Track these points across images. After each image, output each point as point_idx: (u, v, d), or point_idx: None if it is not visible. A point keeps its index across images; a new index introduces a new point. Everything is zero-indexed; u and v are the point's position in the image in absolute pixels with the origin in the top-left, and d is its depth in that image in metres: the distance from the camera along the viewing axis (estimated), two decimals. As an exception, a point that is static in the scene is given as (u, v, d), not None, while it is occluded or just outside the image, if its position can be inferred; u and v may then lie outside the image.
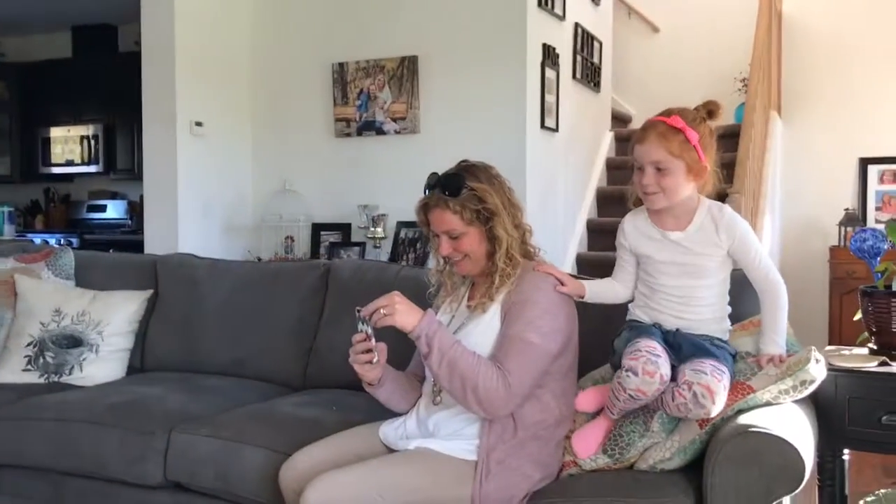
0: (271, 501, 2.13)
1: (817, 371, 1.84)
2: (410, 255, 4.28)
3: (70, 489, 2.52)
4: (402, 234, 4.36)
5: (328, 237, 4.64)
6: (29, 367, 2.87)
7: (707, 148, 1.87)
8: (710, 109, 1.91)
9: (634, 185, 1.92)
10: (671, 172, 1.84)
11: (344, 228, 4.64)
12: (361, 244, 4.48)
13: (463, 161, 2.02)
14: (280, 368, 2.88)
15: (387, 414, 2.11)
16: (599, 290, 2.05)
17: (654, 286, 1.95)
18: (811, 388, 1.86)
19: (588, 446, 1.94)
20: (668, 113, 1.88)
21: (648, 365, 1.77)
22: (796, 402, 1.91)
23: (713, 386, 1.76)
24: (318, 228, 4.66)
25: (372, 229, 4.37)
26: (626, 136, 5.77)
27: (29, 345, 2.90)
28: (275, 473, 2.05)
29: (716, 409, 1.78)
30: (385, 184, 4.52)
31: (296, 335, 2.89)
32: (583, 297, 2.02)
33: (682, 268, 1.91)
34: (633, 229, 1.99)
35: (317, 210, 4.70)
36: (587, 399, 1.97)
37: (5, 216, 6.11)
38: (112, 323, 2.94)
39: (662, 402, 1.84)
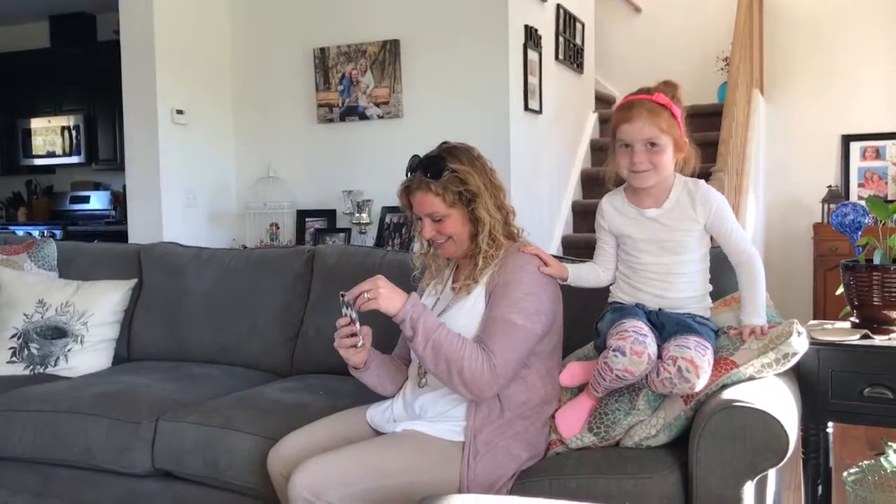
0: (260, 487, 2.14)
1: (799, 344, 1.86)
2: (396, 240, 4.28)
3: (58, 479, 2.51)
4: (388, 220, 4.35)
5: (313, 223, 4.63)
6: (14, 358, 2.86)
7: (684, 123, 1.89)
8: (671, 87, 1.92)
9: (617, 164, 1.92)
10: (662, 149, 1.85)
11: (329, 214, 4.63)
12: (347, 230, 4.47)
13: (444, 143, 2.01)
14: (266, 355, 2.87)
15: (374, 398, 2.12)
16: (582, 274, 2.05)
17: (634, 265, 1.96)
18: (793, 361, 1.87)
19: (572, 425, 1.95)
20: (648, 91, 1.89)
21: (636, 345, 1.78)
22: (780, 375, 1.93)
23: (697, 360, 1.78)
24: (302, 215, 4.65)
25: (357, 215, 4.36)
26: (609, 117, 5.76)
27: (13, 336, 2.89)
28: (263, 459, 2.06)
29: (700, 383, 1.79)
30: (369, 169, 4.51)
31: (282, 321, 2.88)
32: (566, 280, 2.03)
33: (660, 244, 1.92)
34: (612, 209, 2.00)
35: (301, 196, 4.69)
36: (570, 374, 1.98)
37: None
38: (96, 313, 2.92)
39: (647, 378, 1.85)
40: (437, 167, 1.92)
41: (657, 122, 1.84)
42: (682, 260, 1.92)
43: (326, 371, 2.65)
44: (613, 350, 1.80)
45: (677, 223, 1.91)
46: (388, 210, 4.35)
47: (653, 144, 1.85)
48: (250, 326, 2.92)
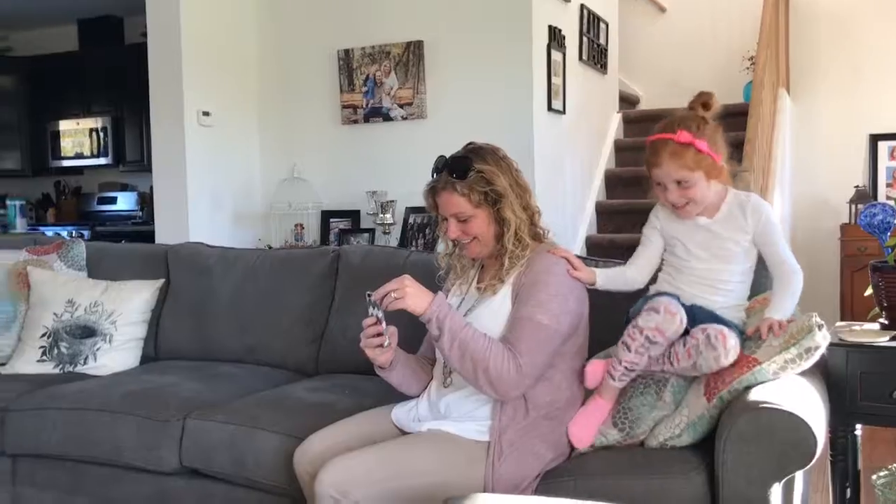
0: (286, 485, 2.16)
1: (821, 338, 1.84)
2: (420, 241, 4.29)
3: (88, 477, 2.55)
4: (411, 220, 4.36)
5: (337, 224, 4.66)
6: (44, 357, 2.90)
7: (717, 145, 1.89)
8: (703, 102, 1.93)
9: (659, 198, 1.96)
10: (693, 183, 1.88)
11: (353, 215, 4.65)
12: (371, 231, 4.49)
13: (470, 143, 2.02)
14: (292, 354, 2.89)
15: (399, 397, 2.13)
16: (611, 277, 2.07)
17: (681, 267, 1.98)
18: (816, 356, 1.85)
19: (587, 435, 1.94)
20: (671, 127, 1.89)
21: (671, 306, 1.83)
22: (807, 376, 1.91)
23: (726, 332, 1.81)
24: (327, 216, 4.68)
25: (381, 216, 4.38)
26: (634, 117, 5.74)
27: (43, 336, 2.93)
28: (289, 457, 2.07)
29: (725, 356, 1.81)
30: (393, 170, 4.52)
31: (307, 321, 2.90)
32: (594, 285, 2.03)
33: (711, 251, 1.94)
34: (667, 213, 2.02)
35: (326, 197, 4.71)
36: (594, 371, 1.97)
37: (17, 210, 6.17)
38: (125, 313, 2.96)
39: (671, 354, 1.87)
40: (462, 167, 1.93)
41: (683, 162, 1.86)
42: (729, 269, 1.94)
43: (351, 370, 2.65)
44: (647, 309, 1.85)
45: (728, 232, 1.93)
46: (411, 211, 4.36)
47: (682, 182, 1.88)
48: (276, 326, 2.94)
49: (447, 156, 1.98)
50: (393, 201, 4.39)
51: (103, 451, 2.49)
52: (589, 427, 1.94)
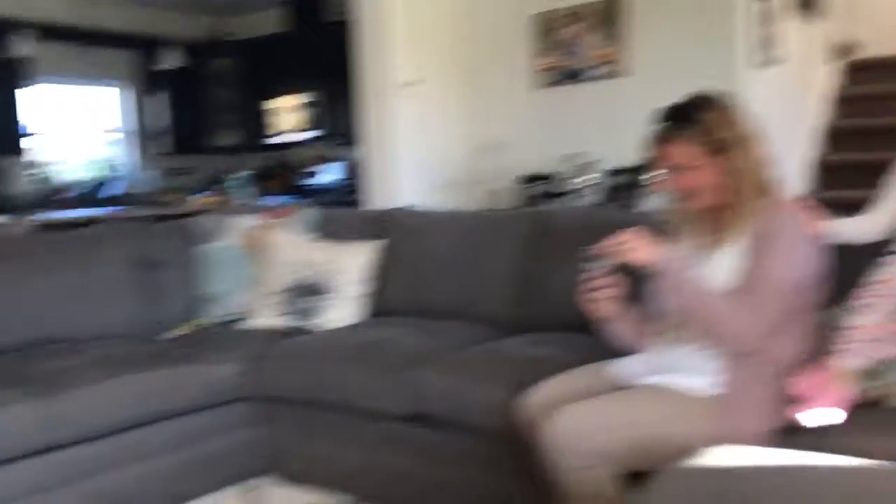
0: (505, 431, 2.21)
1: None
2: (622, 201, 4.24)
3: (324, 420, 2.78)
4: (612, 181, 4.32)
5: (536, 187, 4.69)
6: (280, 312, 3.17)
7: None
8: None
9: None
10: None
11: (552, 178, 4.66)
12: (570, 193, 4.48)
13: (696, 92, 1.97)
14: (505, 311, 2.97)
15: (618, 352, 2.14)
16: (842, 229, 1.99)
17: None
18: None
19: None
20: None
21: None
22: None
23: None
24: (526, 180, 4.72)
25: (580, 178, 4.36)
26: (858, 65, 5.31)
27: (279, 293, 3.20)
28: (508, 407, 2.16)
29: None
30: (591, 131, 4.48)
31: (519, 279, 2.97)
32: (826, 238, 1.94)
33: None
34: None
35: (524, 161, 4.74)
36: (806, 380, 1.81)
37: (243, 181, 6.74)
38: (350, 272, 3.17)
39: None
40: (688, 117, 1.89)
41: None
42: None
43: (566, 328, 2.66)
44: (876, 264, 1.77)
45: None
46: (612, 172, 4.31)
47: None
48: (489, 284, 3.03)
49: (672, 105, 1.94)
50: (592, 162, 4.36)
51: (336, 397, 2.70)
52: (814, 405, 1.83)
